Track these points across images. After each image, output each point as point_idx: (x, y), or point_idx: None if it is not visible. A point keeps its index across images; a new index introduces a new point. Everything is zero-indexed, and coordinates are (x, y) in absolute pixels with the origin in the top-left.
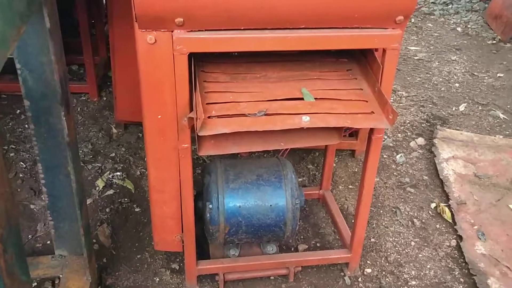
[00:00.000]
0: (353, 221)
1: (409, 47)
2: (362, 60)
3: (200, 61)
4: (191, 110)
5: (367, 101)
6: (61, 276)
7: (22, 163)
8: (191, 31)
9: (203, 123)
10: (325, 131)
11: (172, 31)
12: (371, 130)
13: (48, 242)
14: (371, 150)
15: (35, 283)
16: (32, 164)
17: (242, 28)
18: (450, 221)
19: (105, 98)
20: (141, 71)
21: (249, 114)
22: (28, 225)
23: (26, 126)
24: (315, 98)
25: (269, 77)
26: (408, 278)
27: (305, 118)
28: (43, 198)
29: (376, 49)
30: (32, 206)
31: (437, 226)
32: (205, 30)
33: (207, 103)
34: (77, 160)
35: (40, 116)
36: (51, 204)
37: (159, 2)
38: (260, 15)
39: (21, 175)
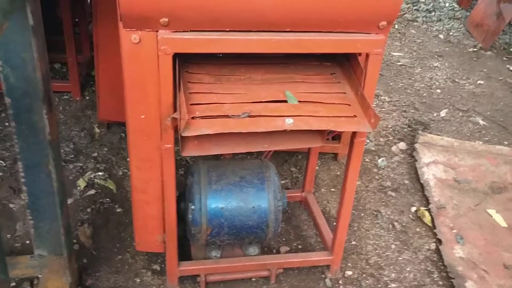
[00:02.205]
0: (334, 223)
1: (392, 53)
2: (345, 64)
3: (184, 62)
4: (175, 110)
5: (349, 105)
6: (40, 276)
7: (1, 161)
8: (176, 31)
9: (186, 124)
10: (308, 134)
11: (157, 31)
12: (354, 134)
13: (27, 242)
14: (353, 153)
15: (13, 284)
16: (11, 163)
17: (227, 29)
18: (430, 224)
19: (87, 97)
20: (125, 70)
21: (232, 115)
22: (7, 224)
23: (6, 124)
24: (298, 101)
25: (253, 79)
26: (388, 281)
27: (289, 121)
28: (23, 197)
29: (360, 54)
30: (11, 205)
31: (417, 229)
32: (190, 30)
33: (191, 104)
34: (58, 158)
35: (22, 113)
36: (31, 203)
37: (144, 1)
38: (245, 17)
39: (0, 174)
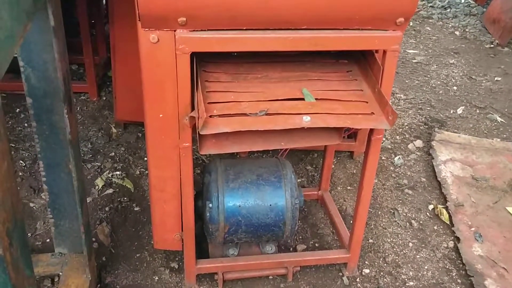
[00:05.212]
0: (351, 222)
1: (407, 50)
2: (362, 61)
3: (201, 61)
4: (192, 109)
5: (367, 102)
6: (60, 273)
7: (21, 161)
8: (194, 30)
9: (204, 122)
10: (325, 132)
11: (174, 31)
12: (371, 131)
13: (48, 240)
14: (371, 150)
15: None
16: (31, 163)
17: (244, 28)
18: (448, 222)
19: (104, 98)
20: (143, 70)
21: (250, 113)
22: (28, 223)
23: (26, 125)
24: (315, 99)
25: (270, 77)
26: (406, 279)
27: (306, 118)
28: (44, 196)
29: (376, 51)
30: (31, 205)
31: (435, 227)
32: (208, 29)
33: (208, 103)
34: (78, 158)
35: (42, 113)
36: (51, 202)
37: (162, 1)
38: (262, 16)
39: (20, 174)
